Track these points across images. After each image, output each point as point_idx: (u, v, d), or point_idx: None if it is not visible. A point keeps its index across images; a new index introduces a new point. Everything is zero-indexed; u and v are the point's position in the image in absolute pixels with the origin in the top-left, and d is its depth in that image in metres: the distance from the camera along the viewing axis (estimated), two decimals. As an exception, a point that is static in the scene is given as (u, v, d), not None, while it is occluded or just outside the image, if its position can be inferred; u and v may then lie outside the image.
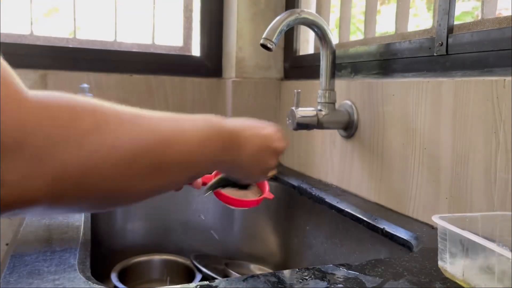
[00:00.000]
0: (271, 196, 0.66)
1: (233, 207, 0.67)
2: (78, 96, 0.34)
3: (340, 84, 0.91)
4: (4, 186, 0.26)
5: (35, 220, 0.66)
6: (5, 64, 0.29)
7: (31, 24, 1.14)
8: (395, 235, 0.66)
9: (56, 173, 0.29)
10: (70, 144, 0.29)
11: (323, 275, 0.49)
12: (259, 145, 0.54)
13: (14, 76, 0.29)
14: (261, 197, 0.66)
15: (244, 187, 0.67)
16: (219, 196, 0.65)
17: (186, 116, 0.44)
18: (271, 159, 0.57)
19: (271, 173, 0.60)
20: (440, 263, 0.49)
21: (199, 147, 0.43)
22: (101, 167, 0.32)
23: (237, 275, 0.88)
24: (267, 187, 0.68)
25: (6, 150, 0.26)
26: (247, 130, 0.53)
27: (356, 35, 1.32)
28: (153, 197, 0.41)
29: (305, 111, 0.84)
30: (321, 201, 0.87)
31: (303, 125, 0.84)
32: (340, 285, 0.46)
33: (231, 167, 0.53)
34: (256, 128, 0.55)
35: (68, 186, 0.30)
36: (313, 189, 0.92)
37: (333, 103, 0.86)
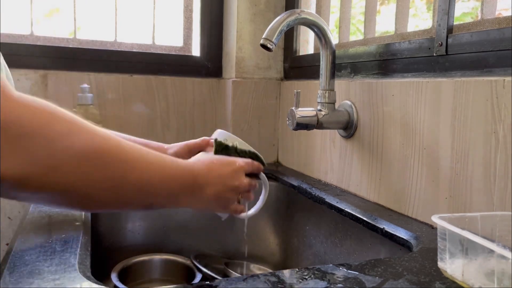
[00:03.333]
0: None
1: None
2: (61, 108, 0.39)
3: (340, 84, 0.91)
4: None
5: (35, 220, 0.66)
6: None
7: (32, 24, 1.14)
8: (395, 235, 0.66)
9: (24, 161, 0.34)
10: (42, 140, 0.35)
11: (323, 275, 0.49)
12: (219, 188, 0.57)
13: (3, 76, 0.35)
14: None
15: None
16: None
17: (157, 153, 0.49)
18: (232, 196, 0.59)
19: (237, 208, 0.62)
20: (439, 263, 0.49)
21: (160, 182, 0.48)
22: (65, 166, 0.37)
23: (237, 275, 0.88)
24: None
25: None
26: (211, 173, 0.57)
27: (356, 35, 1.33)
28: (112, 209, 0.45)
29: (305, 111, 0.84)
30: (321, 200, 0.87)
31: (303, 125, 0.84)
32: (340, 285, 0.46)
33: (192, 206, 0.56)
34: (221, 168, 0.58)
35: (33, 175, 0.35)
36: (313, 188, 0.92)
37: (333, 103, 0.86)
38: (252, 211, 0.69)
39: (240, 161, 0.61)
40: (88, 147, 0.39)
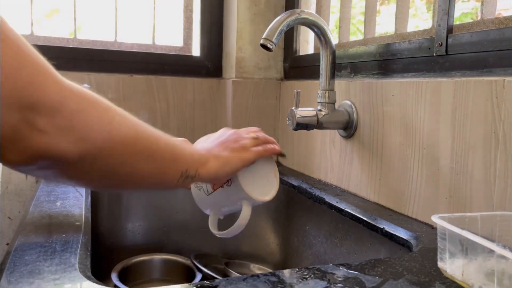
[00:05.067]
0: None
1: None
2: None
3: (340, 84, 0.91)
4: (44, 134, 0.34)
5: (36, 220, 0.66)
6: (44, 61, 0.37)
7: (32, 24, 1.14)
8: (395, 235, 0.66)
9: (81, 135, 0.37)
10: (94, 114, 0.38)
11: (323, 275, 0.49)
12: (217, 137, 0.60)
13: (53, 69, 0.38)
14: None
15: None
16: None
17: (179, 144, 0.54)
18: (240, 139, 0.60)
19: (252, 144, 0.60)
20: (439, 263, 0.49)
21: (179, 147, 0.52)
22: (115, 141, 0.41)
23: (237, 274, 0.88)
24: None
25: (49, 107, 0.34)
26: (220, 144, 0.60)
27: (356, 35, 1.33)
28: (146, 184, 0.50)
29: (304, 111, 0.84)
30: (321, 200, 0.87)
31: (302, 125, 0.84)
32: (340, 285, 0.46)
33: (218, 168, 0.57)
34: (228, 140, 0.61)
35: (88, 150, 0.38)
36: (313, 188, 0.92)
37: (333, 103, 0.86)
38: (226, 232, 0.64)
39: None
40: (129, 132, 0.44)
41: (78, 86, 0.39)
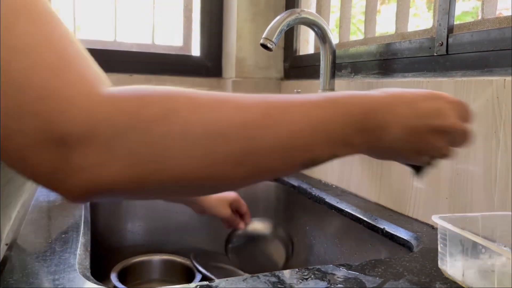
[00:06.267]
0: None
1: None
2: (156, 86, 0.34)
3: (340, 84, 0.91)
4: (82, 171, 0.29)
5: (35, 220, 0.66)
6: (85, 62, 0.32)
7: (31, 24, 1.14)
8: (395, 235, 0.66)
9: (126, 160, 0.30)
10: (136, 132, 0.30)
11: (323, 275, 0.49)
12: (412, 125, 0.41)
13: (92, 73, 0.32)
14: None
15: None
16: None
17: (305, 95, 0.37)
18: (435, 140, 0.43)
19: (443, 156, 0.45)
20: (440, 263, 0.49)
21: (312, 130, 0.36)
22: (171, 154, 0.31)
23: (237, 274, 0.88)
24: None
25: (79, 139, 0.28)
26: (397, 107, 0.41)
27: (356, 35, 1.33)
28: (252, 183, 0.37)
29: (305, 111, 0.84)
30: (321, 201, 0.87)
31: (303, 125, 0.84)
32: (340, 285, 0.46)
33: (369, 152, 0.42)
34: (411, 101, 0.42)
35: (140, 173, 0.30)
36: (313, 189, 0.92)
37: (333, 103, 0.86)
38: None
39: (451, 97, 0.45)
40: (196, 122, 0.31)
41: (126, 92, 0.32)
